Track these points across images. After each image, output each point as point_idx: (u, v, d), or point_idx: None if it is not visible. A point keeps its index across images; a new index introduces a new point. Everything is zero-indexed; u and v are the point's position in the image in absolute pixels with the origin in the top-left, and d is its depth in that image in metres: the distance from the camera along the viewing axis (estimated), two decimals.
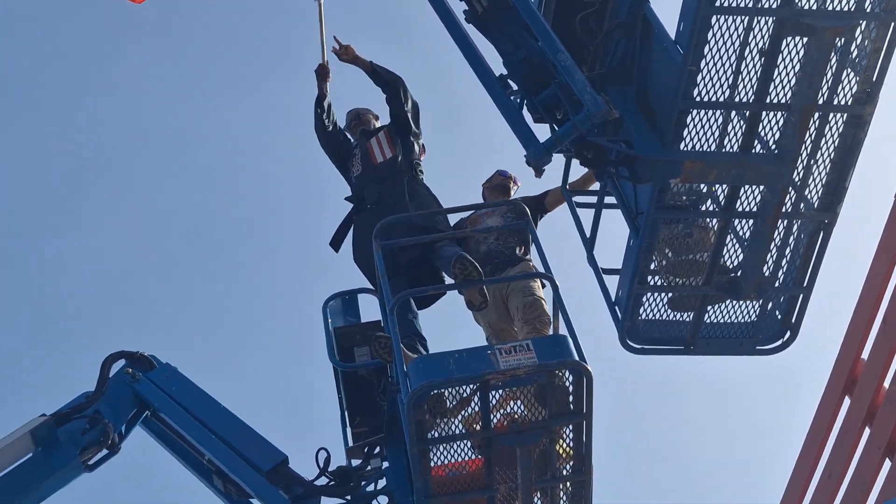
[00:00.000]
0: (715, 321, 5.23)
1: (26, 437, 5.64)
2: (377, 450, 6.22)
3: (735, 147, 4.71)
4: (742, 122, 4.70)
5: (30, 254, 15.94)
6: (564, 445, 5.30)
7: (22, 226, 16.02)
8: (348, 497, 5.87)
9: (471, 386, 4.96)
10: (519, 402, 5.20)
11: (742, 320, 5.24)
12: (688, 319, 5.20)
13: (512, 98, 4.91)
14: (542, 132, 5.00)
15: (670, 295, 5.13)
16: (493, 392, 4.99)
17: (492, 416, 5.04)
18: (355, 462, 6.24)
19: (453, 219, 6.80)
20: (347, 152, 7.10)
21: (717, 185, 4.90)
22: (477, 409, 5.07)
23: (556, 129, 4.67)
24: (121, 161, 16.63)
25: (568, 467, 5.35)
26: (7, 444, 5.59)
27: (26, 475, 5.62)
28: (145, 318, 15.31)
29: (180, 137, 16.79)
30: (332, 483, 5.89)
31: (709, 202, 5.00)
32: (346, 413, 6.42)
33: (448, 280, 6.20)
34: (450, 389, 5.03)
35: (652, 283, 5.08)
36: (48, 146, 16.05)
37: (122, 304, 15.71)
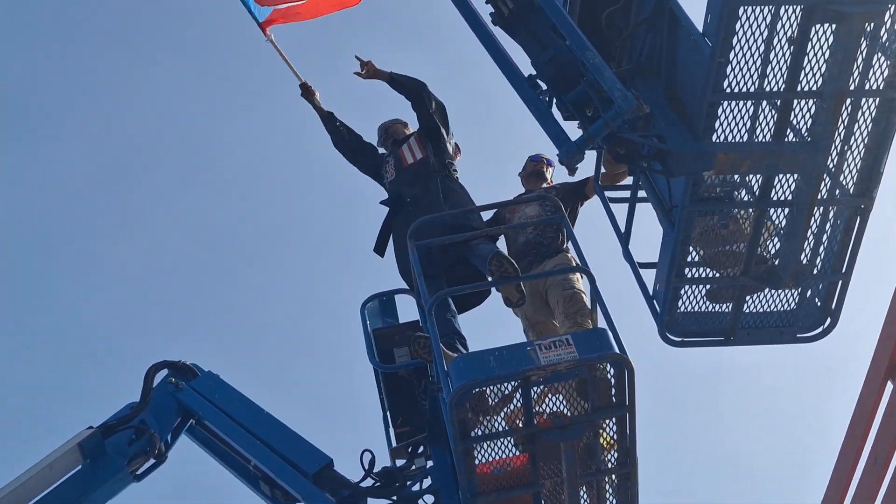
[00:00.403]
0: (754, 311, 5.22)
1: (74, 449, 5.72)
2: (421, 449, 6.27)
3: (768, 136, 4.68)
4: (773, 112, 4.67)
5: (70, 269, 16.18)
6: (607, 436, 5.31)
7: (61, 241, 16.26)
8: (394, 497, 5.92)
9: (512, 383, 4.99)
10: (559, 397, 5.22)
11: (781, 309, 5.21)
12: (727, 310, 5.19)
13: (541, 98, 4.91)
14: (571, 129, 5.03)
15: (708, 286, 5.12)
16: (535, 388, 5.02)
17: (535, 411, 5.06)
18: (400, 462, 6.29)
19: (491, 212, 6.82)
20: (379, 160, 7.14)
21: (751, 176, 4.88)
22: (519, 405, 5.10)
23: (588, 126, 4.67)
24: (155, 174, 16.85)
25: (612, 459, 5.37)
26: (56, 457, 5.67)
27: (76, 487, 5.70)
28: (186, 328, 15.49)
29: (210, 148, 16.98)
30: (378, 484, 5.95)
31: (743, 192, 4.98)
32: (388, 414, 6.46)
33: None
34: (491, 387, 5.06)
35: (689, 275, 5.07)
36: (83, 162, 16.30)
37: (163, 314, 15.91)
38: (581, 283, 6.16)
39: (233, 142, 17.08)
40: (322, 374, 15.22)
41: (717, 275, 5.06)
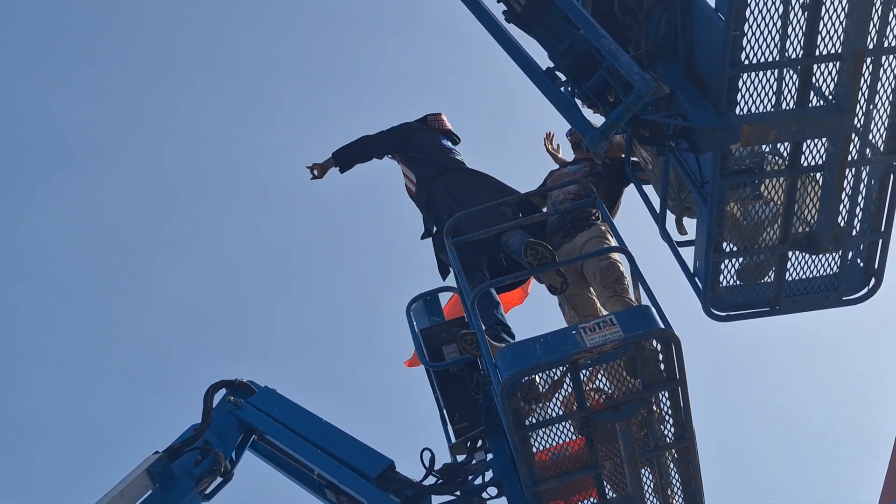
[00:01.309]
0: (797, 278, 5.22)
1: (143, 475, 5.84)
2: (479, 443, 6.32)
3: (791, 104, 4.68)
4: (795, 78, 4.67)
5: (121, 298, 16.46)
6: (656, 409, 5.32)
7: (113, 269, 16.56)
8: (458, 492, 5.97)
9: (561, 368, 5.04)
10: (602, 377, 5.24)
11: (824, 274, 5.21)
12: (769, 280, 5.19)
13: (562, 89, 4.95)
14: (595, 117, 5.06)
15: (739, 265, 5.12)
16: (584, 370, 5.06)
17: (588, 392, 5.10)
18: (460, 458, 6.35)
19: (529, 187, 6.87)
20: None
21: (779, 144, 4.88)
22: (570, 389, 5.15)
23: (610, 112, 4.69)
24: (199, 196, 17.11)
25: (670, 434, 5.40)
26: (126, 484, 5.78)
27: None
28: (239, 346, 15.70)
29: (250, 166, 17.20)
30: (441, 481, 6.01)
31: (775, 158, 4.98)
32: (444, 411, 6.53)
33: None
34: (540, 374, 5.11)
35: (728, 249, 5.08)
36: (128, 190, 16.64)
37: (217, 334, 16.14)
38: (616, 253, 6.15)
39: (272, 158, 17.31)
40: (376, 377, 15.39)
41: (755, 246, 5.06)
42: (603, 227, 6.36)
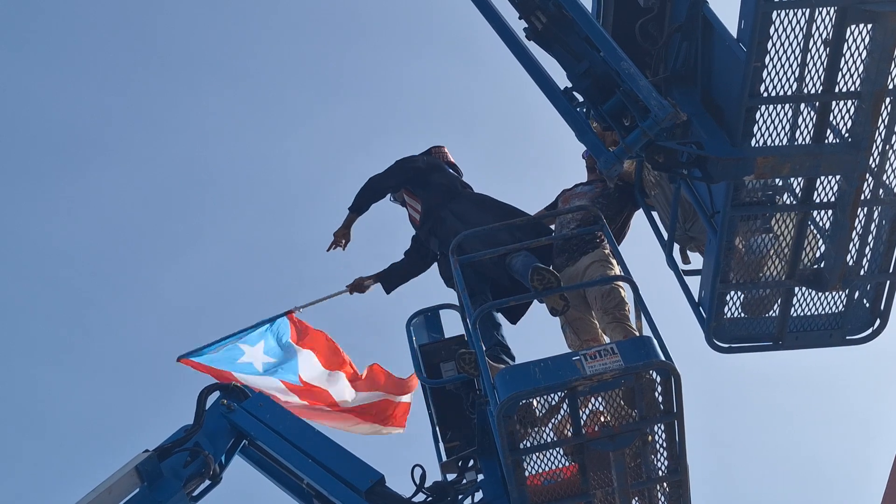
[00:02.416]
0: (802, 314, 5.19)
1: (132, 473, 5.78)
2: (471, 463, 6.27)
3: (807, 139, 4.68)
4: (812, 114, 4.67)
5: (123, 294, 16.48)
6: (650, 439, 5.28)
7: (116, 265, 16.59)
8: None
9: (559, 393, 5.00)
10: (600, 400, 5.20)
11: (829, 311, 5.19)
12: (774, 315, 5.17)
13: (578, 110, 4.94)
14: None
15: (742, 299, 5.10)
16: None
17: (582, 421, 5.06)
18: (450, 476, 6.30)
19: (541, 206, 6.90)
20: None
21: (792, 179, 4.87)
22: (567, 415, 5.11)
23: (625, 136, 4.68)
24: (209, 197, 17.17)
25: (663, 467, 5.36)
26: (114, 481, 5.73)
27: None
28: None
29: (261, 169, 17.25)
30: (430, 499, 5.95)
31: (785, 195, 4.97)
32: (437, 428, 6.49)
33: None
34: (538, 398, 5.08)
35: (734, 280, 5.06)
36: (139, 189, 16.69)
37: (215, 336, 16.09)
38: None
39: (284, 162, 17.36)
40: None
41: (762, 279, 5.04)
42: (606, 251, 6.34)
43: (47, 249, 16.37)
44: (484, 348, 5.75)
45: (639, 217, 6.63)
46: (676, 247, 5.85)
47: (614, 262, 6.18)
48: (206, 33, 17.80)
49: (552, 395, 5.05)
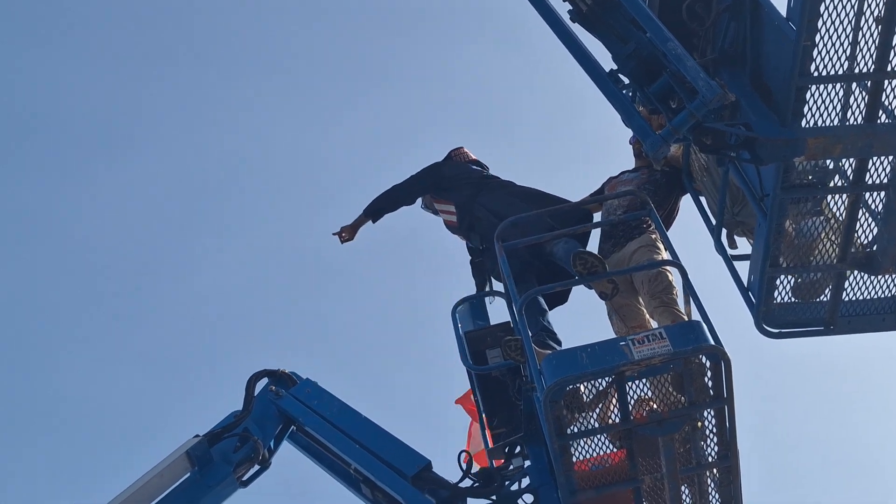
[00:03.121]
0: (854, 298, 5.10)
1: (183, 458, 5.89)
2: (518, 449, 6.27)
3: (859, 119, 4.58)
4: (864, 93, 4.57)
5: (170, 282, 16.70)
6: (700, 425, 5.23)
7: (164, 252, 16.84)
8: (493, 497, 5.92)
9: (606, 378, 4.97)
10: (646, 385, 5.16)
11: (882, 295, 5.09)
12: (825, 299, 5.09)
13: (624, 92, 4.89)
14: None
15: (793, 283, 5.02)
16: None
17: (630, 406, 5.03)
18: (498, 463, 6.31)
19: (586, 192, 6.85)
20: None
21: (844, 160, 4.78)
22: (614, 400, 5.08)
23: (672, 118, 4.63)
24: (254, 184, 17.34)
25: (713, 453, 5.31)
26: (166, 465, 5.85)
27: (186, 494, 5.86)
28: (283, 337, 15.81)
29: (305, 158, 17.37)
30: (477, 484, 5.96)
31: (836, 177, 4.88)
32: (484, 415, 6.49)
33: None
34: (585, 384, 5.06)
35: (784, 264, 4.99)
36: (185, 172, 16.90)
37: (261, 324, 16.30)
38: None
39: (327, 152, 17.46)
40: (418, 377, 15.39)
41: (813, 263, 4.96)
42: (653, 236, 6.29)
43: (86, 238, 16.66)
44: (530, 334, 5.74)
45: (685, 203, 6.56)
46: (724, 231, 5.78)
47: (661, 246, 6.13)
48: (245, 22, 17.95)
49: (600, 381, 5.01)
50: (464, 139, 7.50)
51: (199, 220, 17.00)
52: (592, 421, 5.20)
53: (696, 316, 5.33)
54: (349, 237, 7.19)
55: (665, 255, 6.01)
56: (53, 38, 17.04)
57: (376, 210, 7.17)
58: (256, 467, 6.13)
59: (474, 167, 7.31)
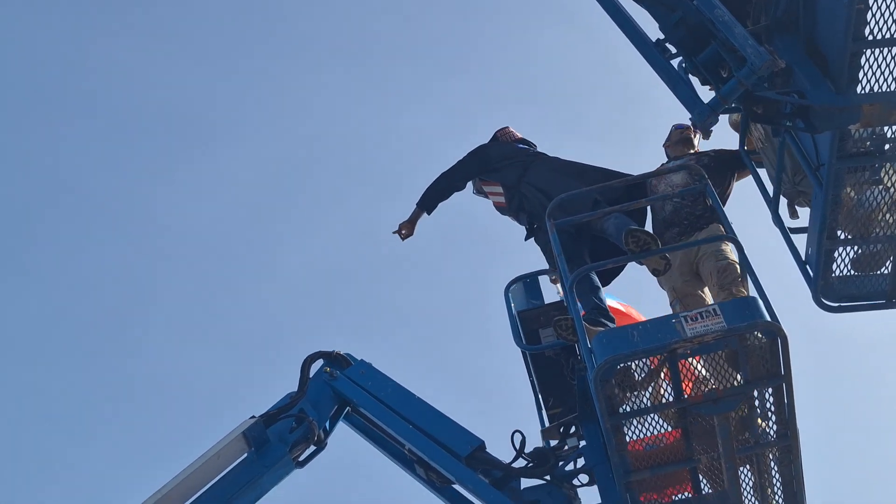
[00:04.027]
0: None
1: (240, 438, 5.94)
2: (573, 429, 6.21)
3: None
4: None
5: (235, 268, 17.00)
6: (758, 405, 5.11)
7: (233, 240, 17.17)
8: (548, 477, 5.87)
9: (659, 356, 4.88)
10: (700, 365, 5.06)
11: None
12: (886, 272, 4.91)
13: (670, 62, 4.78)
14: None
15: (852, 255, 4.85)
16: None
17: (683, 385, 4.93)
18: (552, 443, 6.25)
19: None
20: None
21: None
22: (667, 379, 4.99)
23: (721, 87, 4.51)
24: (323, 176, 17.56)
25: (772, 432, 5.18)
26: (223, 446, 5.90)
27: (244, 474, 5.91)
28: (338, 318, 15.97)
29: (373, 149, 17.51)
30: (531, 465, 5.92)
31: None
32: (538, 395, 6.44)
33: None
34: (637, 362, 4.97)
35: (842, 236, 4.83)
36: (257, 167, 17.22)
37: (317, 305, 16.49)
38: (734, 254, 5.93)
39: (407, 137, 17.56)
40: (473, 357, 15.40)
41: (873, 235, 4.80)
42: (722, 227, 6.15)
43: (173, 228, 17.02)
44: (582, 312, 5.66)
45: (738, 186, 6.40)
46: (784, 202, 5.61)
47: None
48: (324, 10, 18.12)
49: (651, 359, 4.92)
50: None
51: (279, 210, 17.27)
52: (645, 400, 5.11)
53: (752, 292, 5.20)
54: (409, 233, 7.16)
55: (732, 248, 5.86)
56: (144, 34, 17.45)
57: (429, 201, 7.14)
58: (312, 448, 6.15)
59: (521, 146, 7.21)
